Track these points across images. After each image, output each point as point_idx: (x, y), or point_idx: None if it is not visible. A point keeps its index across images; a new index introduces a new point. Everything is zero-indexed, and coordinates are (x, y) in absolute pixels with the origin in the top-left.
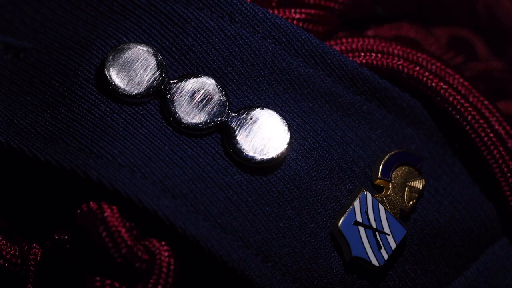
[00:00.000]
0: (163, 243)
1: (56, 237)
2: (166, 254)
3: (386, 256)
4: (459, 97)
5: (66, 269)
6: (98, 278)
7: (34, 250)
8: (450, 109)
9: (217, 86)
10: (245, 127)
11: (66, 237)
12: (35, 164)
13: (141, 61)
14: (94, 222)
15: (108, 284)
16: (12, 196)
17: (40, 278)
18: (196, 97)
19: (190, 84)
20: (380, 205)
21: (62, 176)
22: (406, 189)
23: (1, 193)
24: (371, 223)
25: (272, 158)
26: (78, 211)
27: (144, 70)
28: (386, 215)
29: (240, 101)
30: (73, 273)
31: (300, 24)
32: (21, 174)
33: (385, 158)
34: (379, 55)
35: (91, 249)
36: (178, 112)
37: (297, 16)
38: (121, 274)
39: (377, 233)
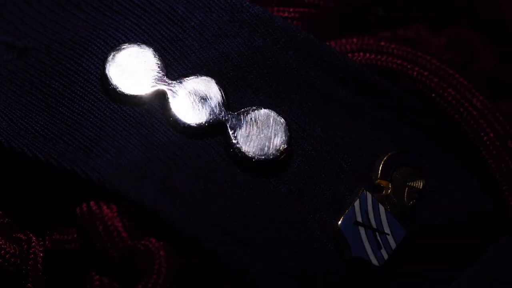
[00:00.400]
0: (162, 242)
1: (57, 236)
2: (166, 253)
3: (386, 256)
4: (459, 97)
5: (66, 269)
6: (97, 277)
7: (34, 250)
8: (450, 109)
9: (217, 86)
10: (245, 127)
11: (66, 237)
12: (35, 164)
13: (141, 61)
14: (94, 221)
15: (107, 284)
16: (12, 195)
17: (40, 278)
18: (196, 97)
19: (190, 84)
20: (380, 205)
21: (62, 175)
22: (406, 189)
23: (1, 193)
24: (371, 223)
25: (272, 158)
26: (78, 210)
27: (144, 70)
28: (386, 215)
29: (240, 101)
30: (73, 272)
31: (300, 24)
32: (21, 173)
33: (385, 158)
34: (379, 55)
35: (91, 249)
36: (178, 112)
37: (297, 15)
38: (121, 274)
39: (377, 233)
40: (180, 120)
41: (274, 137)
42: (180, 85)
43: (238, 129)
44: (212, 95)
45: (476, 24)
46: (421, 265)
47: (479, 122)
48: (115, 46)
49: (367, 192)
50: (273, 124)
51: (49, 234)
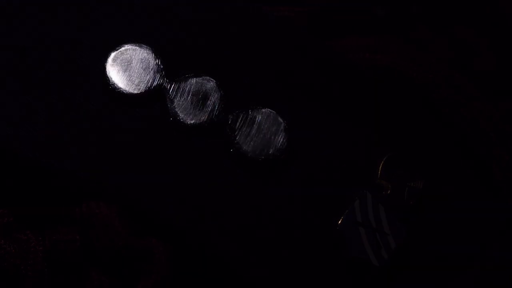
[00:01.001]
0: (162, 242)
1: (57, 236)
2: (166, 253)
3: (386, 256)
4: (459, 97)
5: (66, 269)
6: (97, 277)
7: (34, 250)
8: (450, 109)
9: (217, 86)
10: (245, 127)
11: (66, 237)
12: (36, 164)
13: (141, 61)
14: (94, 221)
15: (107, 284)
16: (12, 195)
17: (40, 278)
18: (196, 97)
19: (190, 84)
20: (380, 205)
21: (62, 176)
22: (406, 189)
23: (1, 193)
24: (371, 223)
25: (272, 158)
26: (78, 210)
27: (144, 70)
28: (386, 215)
29: (239, 101)
30: (73, 272)
31: (300, 24)
32: (21, 173)
33: (385, 158)
34: (379, 55)
35: (91, 249)
36: (178, 112)
37: (297, 15)
38: (121, 274)
39: (377, 233)
40: (180, 120)
41: (274, 137)
42: (180, 85)
43: (238, 129)
44: (212, 95)
45: (476, 24)
46: (421, 265)
47: (479, 122)
48: (115, 46)
49: (367, 192)
50: (273, 124)
51: (49, 234)
